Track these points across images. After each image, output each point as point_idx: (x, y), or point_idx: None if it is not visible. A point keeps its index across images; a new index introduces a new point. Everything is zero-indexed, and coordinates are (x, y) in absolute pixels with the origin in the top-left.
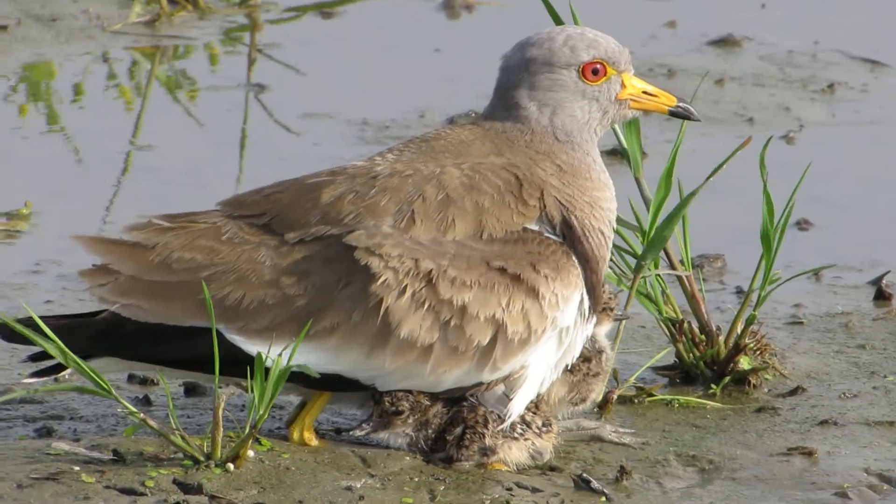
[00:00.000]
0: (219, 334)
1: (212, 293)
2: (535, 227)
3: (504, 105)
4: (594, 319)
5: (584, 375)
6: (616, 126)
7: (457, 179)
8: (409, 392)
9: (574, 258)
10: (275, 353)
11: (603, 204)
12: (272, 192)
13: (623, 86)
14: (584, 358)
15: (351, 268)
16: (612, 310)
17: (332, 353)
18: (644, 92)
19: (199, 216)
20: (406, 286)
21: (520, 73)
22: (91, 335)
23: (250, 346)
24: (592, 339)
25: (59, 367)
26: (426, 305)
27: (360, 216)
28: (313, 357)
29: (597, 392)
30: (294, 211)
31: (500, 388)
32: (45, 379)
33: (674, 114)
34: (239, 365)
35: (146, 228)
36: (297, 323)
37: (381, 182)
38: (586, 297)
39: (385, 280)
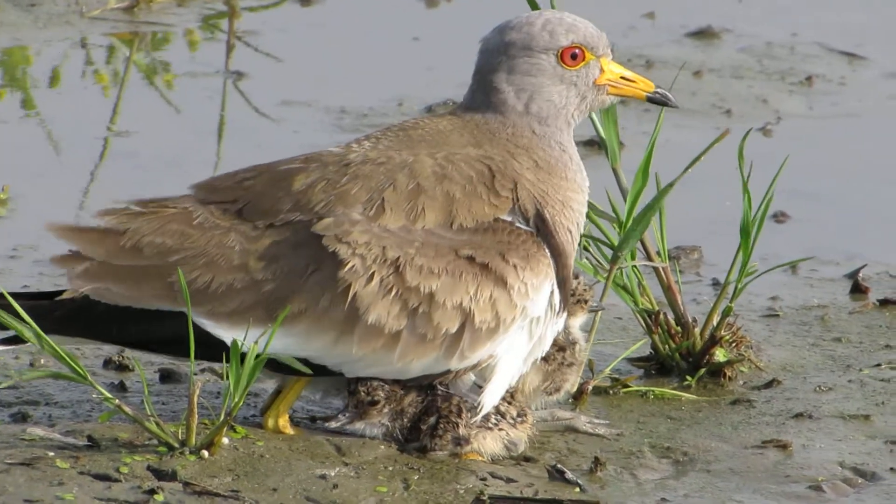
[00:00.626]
0: (184, 317)
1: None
2: (508, 218)
3: (483, 90)
4: (565, 315)
5: (558, 365)
6: (594, 114)
7: (429, 168)
8: (384, 381)
9: (545, 247)
10: (243, 337)
11: (574, 205)
12: (245, 177)
13: (601, 71)
14: (559, 347)
15: (319, 254)
16: (586, 301)
17: (301, 339)
18: (622, 77)
19: (171, 201)
20: (373, 273)
21: (498, 56)
22: (60, 316)
23: (218, 330)
24: (567, 330)
25: (20, 339)
26: (393, 292)
27: (330, 204)
28: (281, 342)
29: (571, 382)
30: (266, 198)
31: (471, 378)
32: (10, 348)
33: (651, 100)
34: (207, 348)
35: (118, 214)
36: (264, 307)
37: (353, 170)
38: (557, 291)
39: (353, 266)
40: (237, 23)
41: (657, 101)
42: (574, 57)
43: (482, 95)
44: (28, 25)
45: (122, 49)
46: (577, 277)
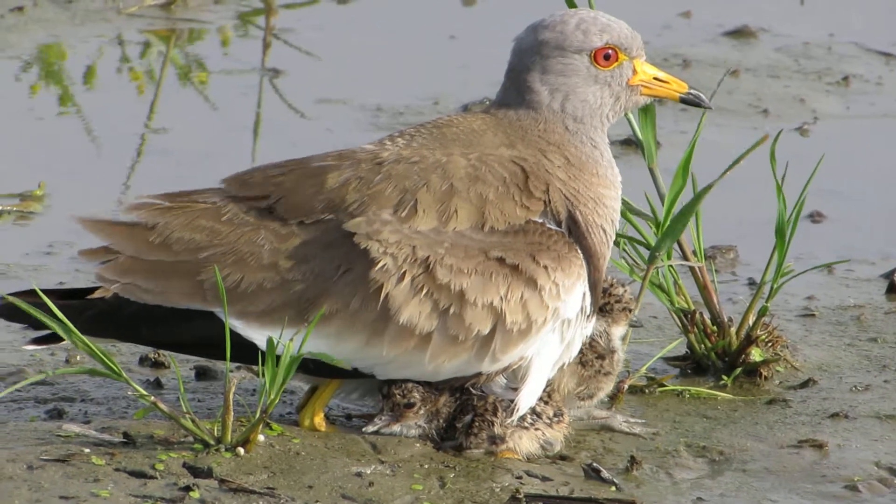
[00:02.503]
0: (215, 316)
1: (209, 275)
2: (540, 220)
3: (516, 89)
4: (595, 318)
5: (595, 372)
6: (630, 114)
7: (462, 169)
8: (419, 383)
9: (577, 248)
10: (272, 337)
11: (607, 202)
12: (276, 173)
13: (634, 72)
14: (599, 354)
15: (350, 254)
16: (630, 311)
17: (332, 340)
18: (655, 78)
19: (200, 195)
20: (405, 273)
21: (532, 56)
22: (91, 316)
23: (248, 331)
24: (608, 338)
25: (58, 337)
26: (424, 293)
27: (364, 204)
28: (313, 344)
29: (605, 391)
30: (298, 196)
31: (503, 380)
32: (43, 347)
33: (685, 101)
34: (237, 348)
35: (147, 208)
36: (294, 308)
37: (386, 169)
38: (588, 293)
39: (384, 266)
40: (273, 20)
41: (690, 101)
42: (607, 58)
43: (515, 94)
44: (65, 22)
45: (158, 46)
46: (623, 286)
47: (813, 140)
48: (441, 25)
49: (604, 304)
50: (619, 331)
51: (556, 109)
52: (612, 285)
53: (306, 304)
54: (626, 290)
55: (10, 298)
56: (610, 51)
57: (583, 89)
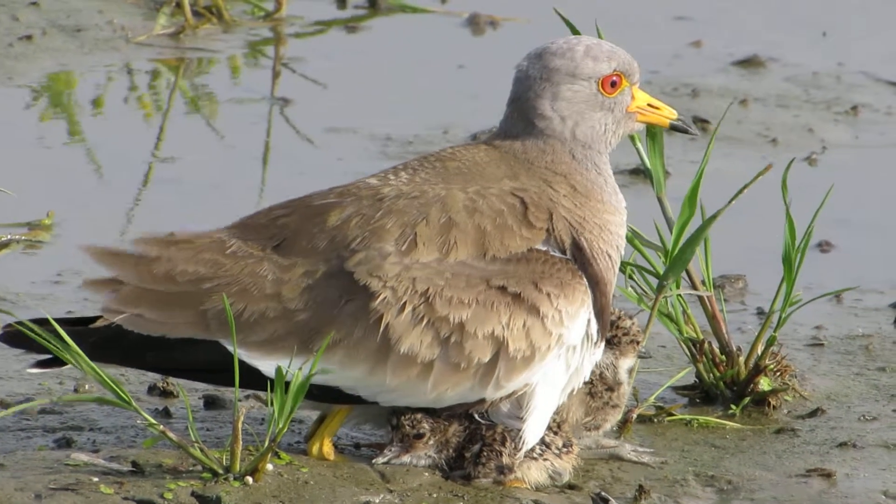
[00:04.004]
0: (218, 346)
1: (213, 305)
2: (543, 248)
3: (523, 118)
4: (603, 344)
5: (603, 404)
6: (638, 143)
7: (461, 202)
8: (427, 413)
9: (581, 275)
10: (275, 366)
11: (612, 228)
12: (279, 214)
13: (633, 97)
14: (608, 387)
15: (351, 285)
16: (638, 343)
17: (335, 368)
18: (649, 104)
19: (204, 234)
20: (405, 304)
21: (541, 83)
22: (93, 343)
23: (251, 359)
24: (615, 370)
25: (62, 361)
26: (424, 323)
27: (366, 240)
28: (315, 372)
29: (611, 423)
30: (302, 236)
31: (506, 406)
32: (48, 370)
33: (674, 127)
34: (240, 375)
35: (152, 242)
36: (297, 337)
37: (387, 204)
38: (594, 320)
39: (384, 298)
40: (283, 49)
41: (679, 128)
42: (613, 84)
43: (522, 123)
44: (73, 50)
45: (167, 75)
46: (631, 318)
47: (821, 169)
48: (450, 55)
49: (611, 336)
50: (626, 363)
51: (566, 137)
52: (619, 318)
53: (309, 334)
54: (633, 323)
55: (19, 326)
56: (616, 77)
57: (590, 115)
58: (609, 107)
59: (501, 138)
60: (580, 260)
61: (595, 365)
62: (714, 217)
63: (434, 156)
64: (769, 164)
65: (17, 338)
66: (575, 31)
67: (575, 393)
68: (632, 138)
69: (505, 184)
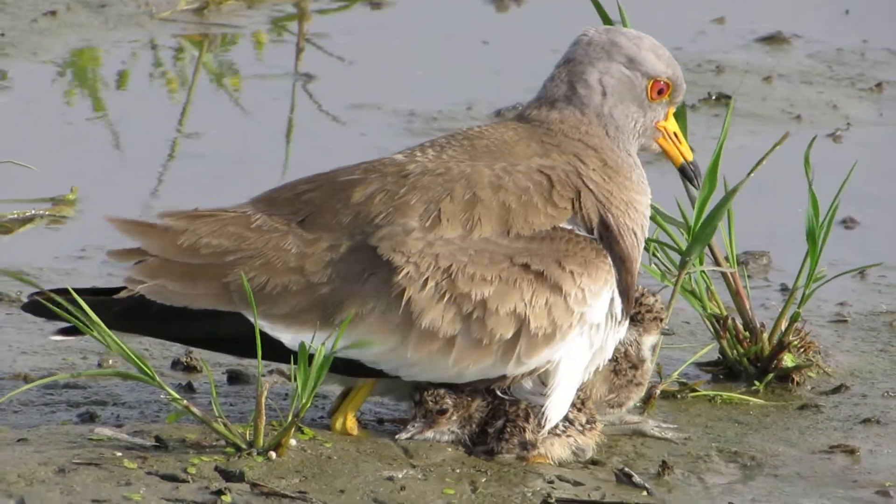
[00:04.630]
0: (241, 317)
1: (236, 277)
2: (568, 227)
3: (568, 82)
4: (627, 322)
5: (627, 381)
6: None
7: (486, 179)
8: (450, 388)
9: (605, 254)
10: (298, 339)
11: (638, 207)
12: (304, 189)
13: (666, 117)
14: (633, 364)
15: (375, 259)
16: (661, 320)
17: (358, 343)
18: (675, 133)
19: (230, 209)
20: (427, 279)
21: (599, 53)
22: (117, 313)
23: (274, 332)
24: (638, 348)
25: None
26: (447, 298)
27: (390, 216)
28: (340, 345)
29: (633, 401)
30: (326, 212)
31: (529, 383)
32: (71, 337)
33: (682, 169)
34: (262, 346)
35: (178, 215)
36: (320, 310)
37: (411, 181)
38: (618, 298)
39: (407, 273)
40: (307, 25)
41: (687, 173)
42: (660, 92)
43: (566, 87)
44: (98, 26)
45: (191, 50)
46: (654, 295)
47: (846, 146)
48: (474, 31)
49: (634, 313)
50: (649, 340)
51: (603, 113)
52: (642, 294)
53: (332, 307)
54: (656, 300)
55: (40, 298)
56: (664, 86)
57: (628, 104)
58: (645, 109)
59: (538, 107)
60: (606, 238)
61: (619, 343)
62: (734, 190)
63: (462, 133)
64: (786, 133)
65: (40, 307)
66: (601, 9)
67: (599, 370)
68: None
69: (533, 161)
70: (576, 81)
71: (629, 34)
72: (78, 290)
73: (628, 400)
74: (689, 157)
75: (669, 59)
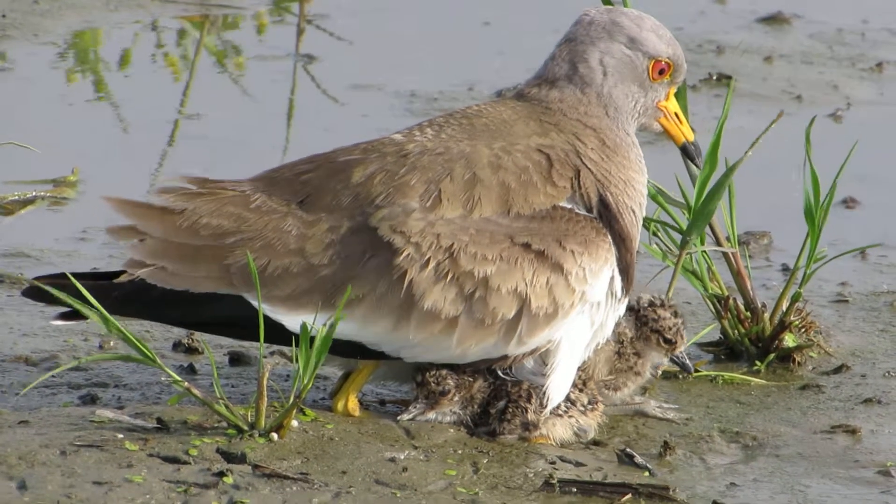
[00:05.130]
0: (242, 300)
1: (236, 259)
2: (568, 206)
3: (569, 61)
4: (626, 300)
5: (628, 368)
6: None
7: (485, 158)
8: (451, 369)
9: (606, 233)
10: (299, 321)
11: (636, 185)
12: (303, 170)
13: (667, 97)
14: (637, 352)
15: (376, 241)
16: (672, 344)
17: (359, 324)
18: (676, 113)
19: (230, 184)
20: (429, 260)
21: (601, 33)
22: (118, 297)
23: (275, 314)
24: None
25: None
26: (448, 278)
27: (390, 196)
28: (340, 328)
29: (630, 389)
30: (326, 192)
31: (530, 362)
32: (72, 322)
33: (684, 149)
34: (266, 330)
35: (176, 193)
36: (320, 292)
37: (411, 161)
38: (618, 276)
39: (408, 254)
40: (308, 6)
41: (688, 153)
42: (661, 72)
43: (566, 66)
44: (99, 7)
45: (192, 32)
46: (675, 313)
47: (846, 126)
48: (475, 12)
49: (642, 321)
50: (654, 358)
51: (603, 93)
52: (661, 304)
53: (332, 289)
54: (676, 321)
55: (54, 291)
56: (665, 66)
57: (628, 84)
58: (646, 89)
59: (537, 85)
60: (605, 216)
61: (625, 325)
62: (733, 168)
63: (460, 112)
64: (781, 112)
65: (40, 292)
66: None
67: (599, 348)
68: None
69: (533, 140)
70: (577, 61)
71: (630, 14)
72: (77, 275)
73: (625, 387)
74: (691, 136)
75: (670, 40)
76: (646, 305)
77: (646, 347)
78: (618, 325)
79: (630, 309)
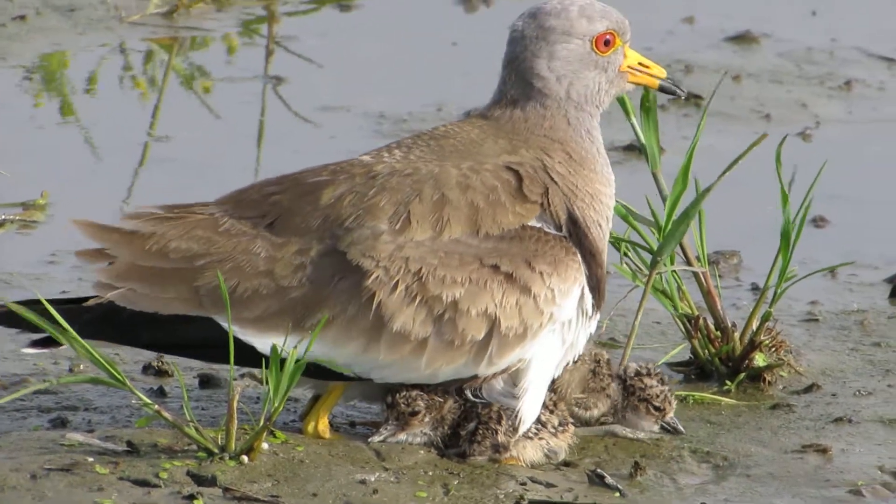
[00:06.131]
0: (212, 322)
1: (205, 281)
2: (537, 224)
3: (520, 79)
4: (597, 316)
5: (601, 389)
6: (634, 119)
7: (453, 179)
8: (422, 390)
9: (575, 252)
10: (269, 343)
11: (603, 199)
12: (271, 191)
13: (625, 56)
14: (618, 378)
15: (345, 263)
16: (661, 411)
17: (329, 346)
18: (640, 63)
19: (198, 207)
20: (398, 282)
21: (537, 42)
22: (86, 321)
23: (243, 335)
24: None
25: (57, 340)
26: (418, 300)
27: (359, 218)
28: (310, 350)
29: (598, 411)
30: (295, 214)
31: (500, 384)
32: (44, 350)
33: (663, 88)
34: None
35: (144, 217)
36: (290, 314)
37: (380, 182)
38: (588, 294)
39: (377, 277)
40: (276, 27)
41: (668, 89)
42: (607, 43)
43: (520, 86)
44: (67, 30)
45: (160, 54)
46: (661, 380)
47: (815, 145)
48: (443, 32)
49: (628, 389)
50: (645, 423)
51: (562, 97)
52: (647, 373)
53: (302, 311)
54: (662, 388)
55: (11, 306)
56: (609, 36)
57: (584, 74)
58: (603, 66)
59: (500, 107)
60: (575, 233)
61: (603, 349)
62: (707, 191)
63: (428, 133)
64: (764, 135)
65: (11, 318)
66: None
67: (573, 368)
68: (626, 114)
69: (502, 158)
70: (528, 77)
71: (553, 10)
72: (47, 301)
73: (595, 408)
74: (663, 74)
75: (602, 11)
76: (632, 375)
77: (635, 416)
78: (590, 343)
79: (617, 378)
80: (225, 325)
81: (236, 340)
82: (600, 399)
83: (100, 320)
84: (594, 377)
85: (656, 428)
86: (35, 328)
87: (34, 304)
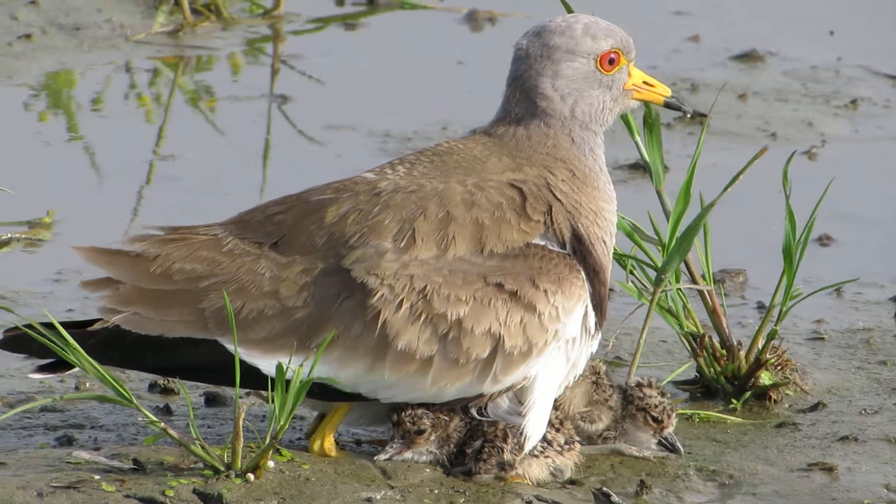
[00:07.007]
0: (217, 344)
1: (210, 303)
2: (541, 242)
3: (525, 97)
4: (599, 335)
5: (604, 400)
6: (638, 137)
7: (458, 196)
8: (427, 409)
9: (579, 269)
10: (274, 364)
11: (606, 215)
12: (275, 211)
13: (629, 75)
14: (620, 391)
15: (350, 282)
16: (661, 423)
17: (335, 366)
18: (644, 82)
19: (201, 229)
20: (402, 301)
21: (542, 61)
22: (93, 345)
23: (250, 357)
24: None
25: (63, 366)
26: (423, 319)
27: (363, 236)
28: (317, 369)
29: (602, 424)
30: (299, 233)
31: (505, 402)
32: (50, 375)
33: (668, 104)
34: (239, 373)
35: (148, 240)
36: (295, 335)
37: (384, 199)
38: (591, 312)
39: (382, 295)
40: (281, 46)
41: (673, 105)
42: (611, 62)
43: (524, 104)
44: (73, 49)
45: (166, 73)
46: (662, 392)
47: (821, 163)
48: (449, 51)
49: (627, 399)
50: (643, 437)
51: (566, 116)
52: (648, 384)
53: (307, 331)
54: (662, 399)
55: (25, 329)
56: (614, 55)
57: (588, 93)
58: (607, 84)
59: (503, 124)
60: (579, 250)
61: (602, 363)
62: (710, 206)
63: (431, 150)
64: (764, 148)
65: (17, 343)
66: (570, 10)
67: (574, 385)
68: (630, 132)
69: (506, 175)
70: (532, 96)
71: (558, 28)
72: (48, 325)
73: (599, 421)
74: (668, 92)
75: (607, 30)
76: (633, 385)
77: (633, 427)
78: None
79: (618, 388)
80: (230, 346)
81: (242, 362)
82: (603, 411)
83: (106, 344)
84: (597, 388)
85: (654, 441)
86: (41, 353)
87: (34, 327)
